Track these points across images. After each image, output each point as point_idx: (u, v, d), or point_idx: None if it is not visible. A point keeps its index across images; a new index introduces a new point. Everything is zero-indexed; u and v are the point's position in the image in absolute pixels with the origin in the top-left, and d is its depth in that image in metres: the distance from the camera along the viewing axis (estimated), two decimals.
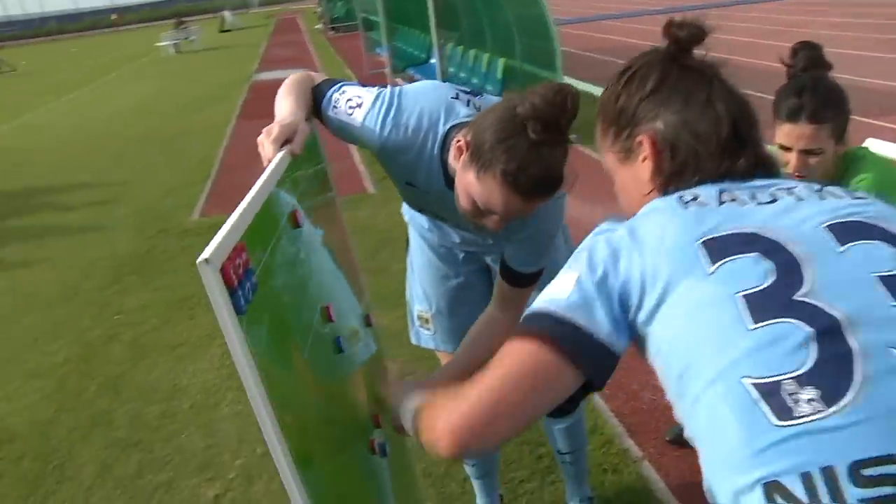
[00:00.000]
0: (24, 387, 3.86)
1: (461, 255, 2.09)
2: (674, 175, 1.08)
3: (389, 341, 3.67)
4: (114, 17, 57.47)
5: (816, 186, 1.04)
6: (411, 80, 10.74)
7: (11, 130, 12.93)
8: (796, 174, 2.12)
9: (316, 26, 28.55)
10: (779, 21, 14.53)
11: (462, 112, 1.64)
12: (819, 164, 2.09)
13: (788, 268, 0.90)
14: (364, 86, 1.73)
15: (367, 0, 14.06)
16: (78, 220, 6.75)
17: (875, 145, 2.87)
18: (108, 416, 3.46)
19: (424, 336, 2.22)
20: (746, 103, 1.11)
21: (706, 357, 0.88)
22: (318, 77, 1.78)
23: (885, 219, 0.98)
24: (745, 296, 0.89)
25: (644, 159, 1.11)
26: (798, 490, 0.78)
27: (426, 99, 1.67)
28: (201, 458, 3.02)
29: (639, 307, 0.96)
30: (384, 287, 3.91)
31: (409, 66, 11.45)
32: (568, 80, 7.61)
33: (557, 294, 1.00)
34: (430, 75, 9.26)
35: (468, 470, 2.44)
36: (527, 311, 1.03)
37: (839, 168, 2.17)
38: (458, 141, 1.50)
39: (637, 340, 0.99)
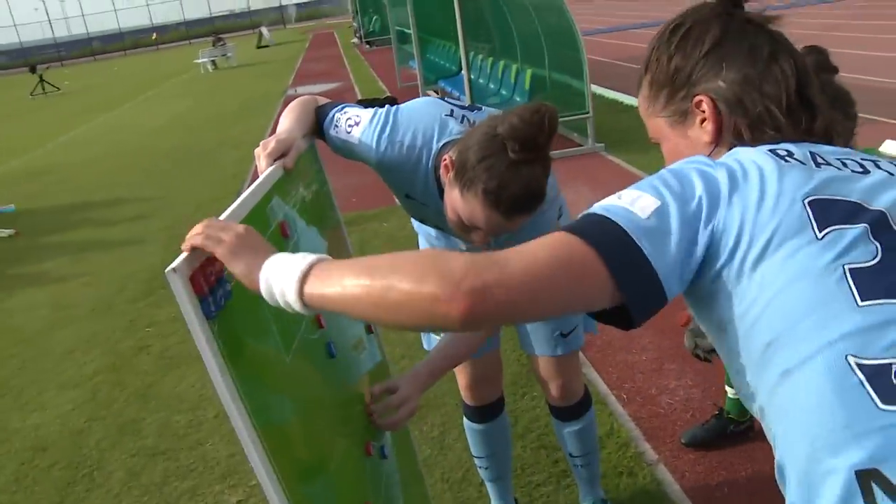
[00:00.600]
0: (57, 397, 3.97)
1: None
2: (755, 134, 1.02)
3: (409, 348, 3.74)
4: (154, 36, 58.63)
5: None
6: (443, 93, 10.87)
7: (55, 148, 13.28)
8: None
9: (352, 40, 28.85)
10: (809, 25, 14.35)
11: (455, 129, 1.70)
12: None
13: (894, 246, 0.86)
14: (365, 107, 1.80)
15: (401, 14, 14.19)
16: (115, 234, 6.92)
17: (892, 147, 2.85)
18: (136, 426, 3.56)
19: (435, 341, 2.26)
20: (806, 64, 1.05)
21: (807, 328, 0.83)
22: (323, 100, 1.85)
23: None
24: (852, 270, 0.84)
25: (703, 121, 1.06)
26: None
27: (420, 117, 1.73)
28: (225, 466, 3.09)
29: (729, 260, 0.89)
30: None
31: (440, 78, 11.52)
32: (595, 88, 7.64)
33: (635, 210, 0.91)
34: (459, 87, 9.32)
35: (482, 473, 2.47)
36: (597, 209, 0.93)
37: None
38: (445, 160, 1.57)
39: (703, 293, 0.93)
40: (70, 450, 3.45)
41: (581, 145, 7.52)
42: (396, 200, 2.09)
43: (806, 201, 0.88)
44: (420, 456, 2.91)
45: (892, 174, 0.94)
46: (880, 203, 0.89)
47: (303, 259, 0.99)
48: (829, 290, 0.84)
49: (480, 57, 10.58)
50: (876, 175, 0.93)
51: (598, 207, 0.93)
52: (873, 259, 0.85)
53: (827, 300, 0.83)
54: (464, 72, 7.62)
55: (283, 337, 1.24)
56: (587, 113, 7.32)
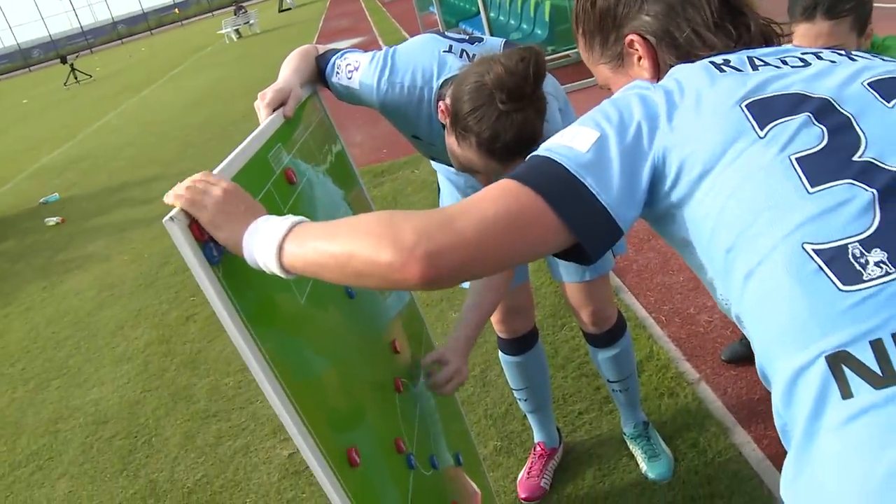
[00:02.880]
0: (112, 372, 4.10)
1: None
2: (681, 55, 1.02)
3: (450, 290, 3.77)
4: (176, 11, 58.75)
5: (843, 51, 0.99)
6: (462, 33, 10.64)
7: (91, 134, 13.48)
8: None
9: None
10: None
11: (455, 65, 1.68)
12: None
13: (841, 128, 0.85)
14: (364, 51, 1.79)
15: None
16: (153, 211, 7.02)
17: None
18: (188, 391, 3.66)
19: None
20: None
21: (761, 225, 0.83)
22: (323, 49, 1.84)
23: None
24: (799, 158, 0.84)
25: (640, 59, 1.07)
26: (867, 357, 0.73)
27: (418, 56, 1.72)
28: (275, 423, 3.16)
29: (677, 178, 0.89)
30: None
31: (461, 20, 11.37)
32: None
33: (575, 145, 0.91)
34: (480, 27, 9.19)
35: (522, 406, 2.50)
36: (541, 151, 0.94)
37: None
38: (441, 105, 1.56)
39: (660, 214, 0.93)
40: (128, 420, 3.57)
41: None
42: None
43: (743, 104, 0.88)
44: (463, 394, 2.95)
45: (833, 62, 0.93)
46: (822, 90, 0.89)
47: (281, 224, 0.99)
48: (777, 183, 0.83)
49: None
50: (817, 66, 0.93)
51: (542, 148, 0.94)
52: (819, 143, 0.84)
53: (777, 194, 0.83)
54: (481, 11, 7.50)
55: (295, 280, 1.25)
56: None
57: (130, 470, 3.18)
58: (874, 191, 0.80)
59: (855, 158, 0.82)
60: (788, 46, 0.99)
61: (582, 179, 0.88)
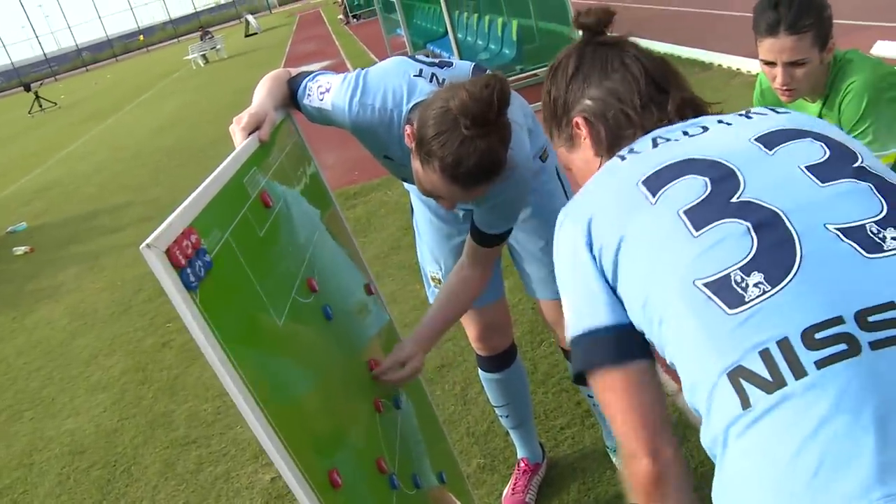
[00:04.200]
0: (88, 401, 4.04)
1: (461, 214, 2.13)
2: (614, 140, 1.15)
3: (424, 310, 3.77)
4: (141, 38, 58.54)
5: (744, 112, 1.11)
6: (432, 56, 10.74)
7: (59, 162, 13.35)
8: (784, 88, 2.10)
9: (338, 17, 28.65)
10: None
11: (425, 89, 1.69)
12: (806, 76, 2.07)
13: (723, 177, 0.96)
14: (336, 73, 1.80)
15: None
16: (125, 238, 6.97)
17: (884, 48, 2.80)
18: (166, 419, 3.62)
19: None
20: (661, 58, 1.19)
21: (661, 276, 0.93)
22: (296, 72, 1.85)
23: (806, 123, 1.06)
24: (686, 211, 0.94)
25: (584, 139, 1.18)
26: (758, 367, 0.82)
27: (389, 79, 1.73)
28: (256, 447, 3.14)
29: (608, 265, 1.00)
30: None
31: (428, 41, 11.43)
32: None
33: (567, 318, 1.07)
34: (448, 48, 9.25)
35: (503, 422, 2.50)
36: (568, 337, 1.07)
37: (828, 75, 2.14)
38: (407, 129, 1.57)
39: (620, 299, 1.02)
40: (106, 449, 3.52)
41: None
42: None
43: (639, 182, 1.00)
44: (444, 413, 2.95)
45: (729, 124, 1.06)
46: (711, 151, 1.00)
47: None
48: (668, 236, 0.94)
49: (466, 14, 10.48)
50: (713, 130, 1.05)
51: (569, 335, 1.07)
52: (703, 194, 0.95)
53: (668, 245, 0.93)
54: (449, 32, 7.56)
55: (272, 303, 1.25)
56: None
57: (109, 500, 3.14)
58: (748, 224, 0.89)
59: (733, 200, 0.93)
60: (699, 118, 1.11)
61: (582, 331, 1.03)
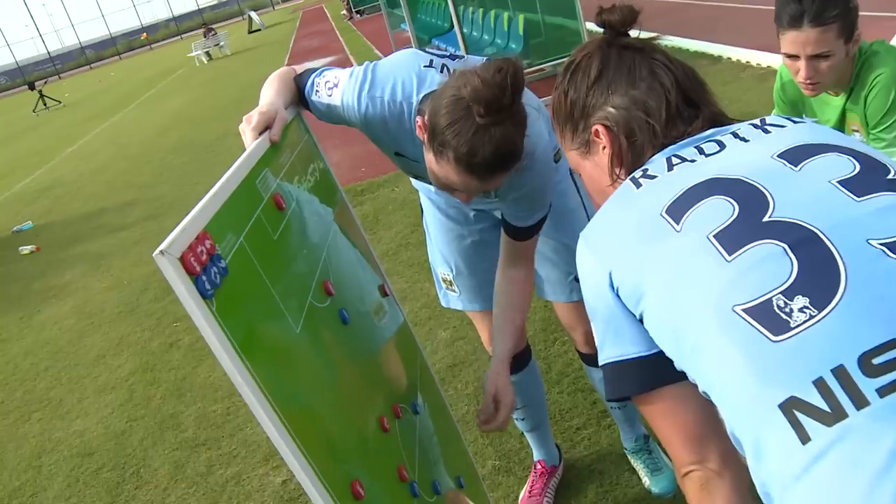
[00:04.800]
0: (96, 402, 4.01)
1: (472, 214, 2.09)
2: (636, 155, 1.09)
3: (438, 309, 3.73)
4: (144, 36, 58.56)
5: (758, 123, 1.05)
6: (445, 52, 10.64)
7: (64, 160, 13.33)
8: (808, 82, 2.05)
9: (341, 12, 28.59)
10: None
11: (437, 80, 1.63)
12: (830, 69, 2.02)
13: (751, 197, 0.91)
14: (343, 68, 1.75)
15: None
16: (131, 236, 6.94)
17: None
18: (175, 420, 3.58)
19: (452, 298, 2.24)
20: (690, 68, 1.13)
21: (693, 303, 0.88)
22: (301, 69, 1.80)
23: (828, 136, 1.00)
24: (716, 235, 0.89)
25: (603, 147, 1.13)
26: (815, 398, 0.76)
27: (398, 70, 1.67)
28: (266, 448, 3.10)
29: (630, 299, 0.97)
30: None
31: (433, 37, 11.37)
32: (590, 25, 7.47)
33: (599, 341, 1.04)
34: (454, 43, 9.19)
35: (519, 425, 2.45)
36: (604, 363, 1.05)
37: (853, 67, 2.09)
38: (419, 120, 1.52)
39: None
40: (115, 451, 3.49)
41: None
42: None
43: (662, 212, 0.95)
44: (457, 413, 2.91)
45: (746, 140, 1.01)
46: (733, 170, 0.95)
47: None
48: (698, 262, 0.89)
49: (471, 9, 10.41)
50: (731, 147, 1.00)
51: (601, 354, 1.05)
52: (731, 216, 0.89)
53: (699, 272, 0.88)
54: (455, 27, 7.50)
55: (289, 309, 1.21)
56: None
57: (119, 503, 3.10)
58: (785, 245, 0.84)
59: (765, 220, 0.88)
60: (712, 131, 1.06)
61: (611, 360, 1.01)
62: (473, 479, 2.15)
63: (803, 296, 0.80)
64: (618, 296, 0.98)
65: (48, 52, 63.74)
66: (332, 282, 1.45)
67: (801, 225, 0.86)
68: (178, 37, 59.15)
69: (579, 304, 2.09)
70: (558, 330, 3.26)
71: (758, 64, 6.27)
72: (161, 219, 7.16)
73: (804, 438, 0.75)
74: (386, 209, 5.55)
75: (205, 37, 28.86)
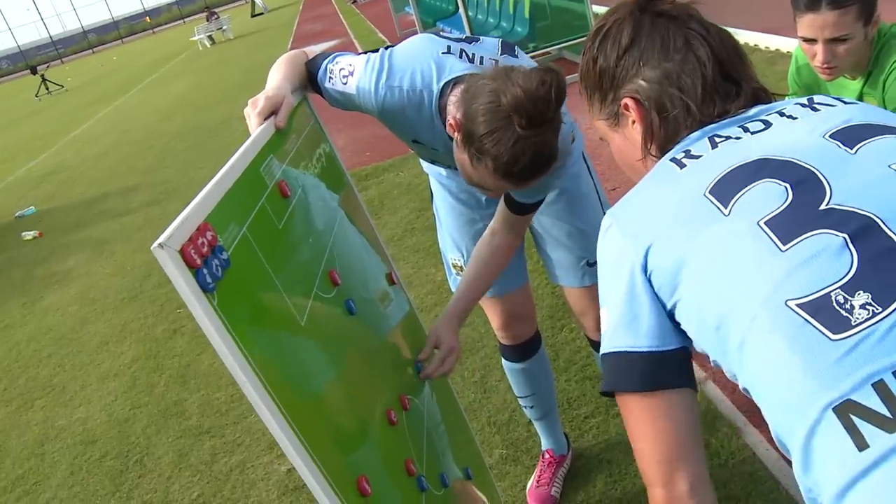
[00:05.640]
0: (99, 389, 3.99)
1: (483, 198, 2.05)
2: (667, 136, 1.03)
3: (444, 294, 3.69)
4: (147, 20, 58.38)
5: (805, 101, 0.99)
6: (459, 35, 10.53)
7: (67, 145, 13.29)
8: (825, 66, 2.00)
9: None
10: None
11: (456, 66, 1.60)
12: (848, 52, 1.96)
13: (805, 182, 0.85)
14: (357, 54, 1.71)
15: None
16: (134, 222, 6.91)
17: None
18: (179, 407, 3.56)
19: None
20: (729, 37, 1.05)
21: (743, 294, 0.82)
22: (313, 53, 1.76)
23: (882, 117, 0.94)
24: (767, 221, 0.83)
25: (633, 122, 1.07)
26: (873, 402, 0.71)
27: (417, 58, 1.63)
28: (270, 437, 3.02)
29: (663, 285, 0.91)
30: (434, 243, 3.90)
31: (438, 20, 11.28)
32: (596, 8, 7.40)
33: (608, 326, 0.97)
34: (459, 26, 9.10)
35: (528, 413, 2.42)
36: (604, 352, 0.99)
37: (872, 51, 2.04)
38: (450, 119, 1.49)
39: (672, 318, 0.94)
40: (118, 439, 3.46)
41: None
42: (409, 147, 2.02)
43: (706, 192, 0.89)
44: (464, 402, 2.88)
45: (793, 117, 0.94)
46: (782, 150, 0.89)
47: None
48: (749, 251, 0.83)
49: None
50: (777, 125, 0.94)
51: (603, 343, 0.99)
52: (784, 202, 0.84)
53: (750, 261, 0.82)
54: (461, 9, 7.42)
55: (294, 300, 1.17)
56: None
57: (123, 491, 3.08)
58: (845, 235, 0.79)
59: (822, 208, 0.82)
60: (755, 109, 0.99)
61: (617, 349, 0.94)
62: (481, 468, 2.12)
63: (865, 291, 0.75)
64: (649, 280, 0.92)
65: (50, 36, 63.56)
66: (338, 271, 1.41)
67: (860, 213, 0.80)
68: (181, 20, 58.90)
69: (591, 289, 2.06)
70: (566, 317, 3.23)
71: (766, 47, 6.20)
72: (164, 204, 7.13)
73: (861, 445, 0.71)
74: (391, 194, 5.50)
75: (207, 20, 28.73)
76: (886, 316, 0.73)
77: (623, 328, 0.94)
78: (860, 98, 2.11)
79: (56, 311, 5.32)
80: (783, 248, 0.80)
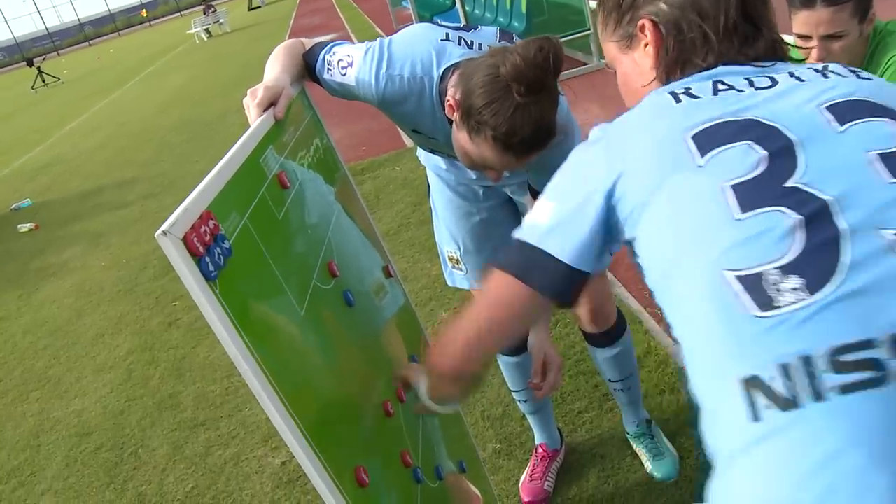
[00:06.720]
0: (94, 382, 3.99)
1: (481, 191, 2.06)
2: (678, 61, 1.02)
3: (439, 289, 3.70)
4: (143, 13, 58.21)
5: (819, 67, 0.97)
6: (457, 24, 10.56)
7: (63, 138, 13.26)
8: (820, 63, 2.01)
9: None
10: None
11: (455, 52, 1.61)
12: (844, 50, 1.97)
13: (782, 154, 0.85)
14: (353, 44, 1.71)
15: None
16: (130, 214, 6.90)
17: None
18: (174, 400, 3.56)
19: (458, 277, 2.21)
20: None
21: (689, 252, 0.85)
22: (310, 43, 1.77)
23: (888, 97, 0.92)
24: (733, 186, 0.84)
25: (646, 45, 1.05)
26: (777, 383, 0.74)
27: (416, 45, 1.64)
28: (265, 430, 3.09)
29: (628, 216, 0.92)
30: (430, 237, 3.92)
31: (435, 14, 11.27)
32: (593, 3, 7.40)
33: (537, 220, 1.00)
34: (455, 20, 9.10)
35: (522, 407, 2.44)
36: (515, 235, 1.03)
37: (867, 48, 2.05)
38: (449, 99, 1.49)
39: (629, 252, 0.97)
40: (113, 431, 3.47)
41: (586, 63, 7.33)
42: (405, 142, 2.02)
43: (689, 135, 0.90)
44: None
45: (801, 80, 0.94)
46: (773, 114, 0.89)
47: None
48: (707, 210, 0.84)
49: None
50: (782, 85, 0.93)
51: (516, 232, 1.03)
52: (755, 170, 0.85)
53: (705, 221, 0.84)
54: (457, 4, 7.42)
55: (293, 290, 1.18)
56: (588, 30, 7.12)
57: (117, 483, 3.09)
58: (798, 217, 0.80)
59: (787, 184, 0.83)
60: (770, 63, 0.99)
61: (542, 247, 0.97)
62: (474, 462, 2.13)
63: (799, 277, 0.77)
64: (610, 206, 0.94)
65: (46, 29, 63.33)
66: (336, 262, 1.42)
67: (819, 197, 0.81)
68: (178, 13, 58.78)
69: None
70: (560, 312, 3.24)
71: None
72: (160, 197, 7.12)
73: (756, 417, 0.74)
74: (387, 188, 5.51)
75: (204, 13, 28.67)
76: (810, 304, 0.76)
77: (557, 234, 0.97)
78: None
79: (52, 303, 5.32)
80: (738, 216, 0.82)
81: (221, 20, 27.82)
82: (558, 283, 0.97)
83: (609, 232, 0.96)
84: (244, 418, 3.23)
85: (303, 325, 1.19)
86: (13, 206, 8.49)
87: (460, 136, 1.49)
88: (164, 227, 0.89)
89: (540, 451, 2.45)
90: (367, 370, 1.44)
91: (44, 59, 31.82)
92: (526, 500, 2.36)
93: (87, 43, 56.21)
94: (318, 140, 1.70)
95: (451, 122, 1.59)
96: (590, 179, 0.96)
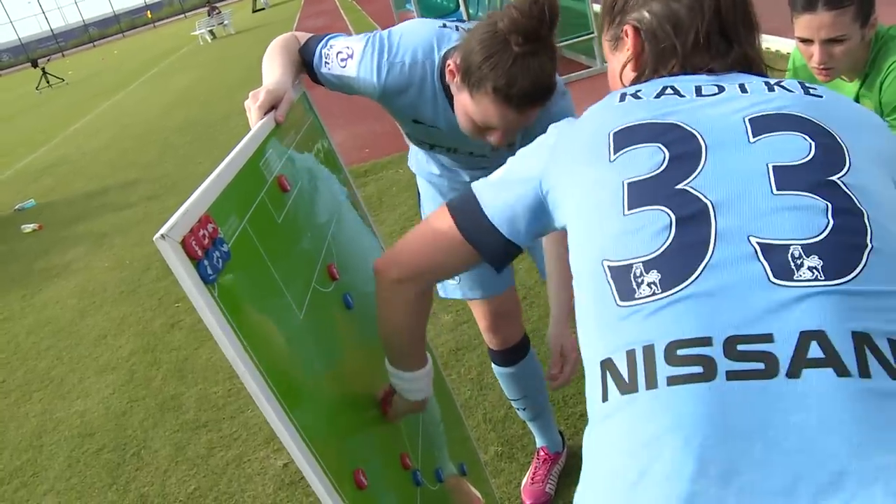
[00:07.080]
0: (97, 382, 4.00)
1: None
2: (649, 67, 1.07)
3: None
4: (148, 14, 58.33)
5: (772, 82, 1.01)
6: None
7: (67, 139, 13.29)
8: (821, 67, 2.01)
9: None
10: None
11: (454, 37, 1.63)
12: (845, 54, 1.98)
13: (686, 158, 0.90)
14: (349, 36, 1.71)
15: None
16: (133, 216, 6.92)
17: None
18: (176, 401, 3.57)
19: (450, 288, 2.20)
20: (744, 1, 1.08)
21: (585, 240, 0.93)
22: (304, 37, 1.76)
23: (825, 114, 0.94)
24: (630, 183, 0.90)
25: (628, 49, 1.10)
26: (622, 367, 0.82)
27: (416, 33, 1.66)
28: (267, 432, 3.09)
29: (556, 205, 1.01)
30: None
31: (439, 17, 11.28)
32: (597, 7, 7.40)
33: (492, 176, 1.11)
34: None
35: (520, 414, 2.44)
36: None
37: (869, 53, 2.05)
38: (450, 65, 1.52)
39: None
40: (115, 432, 3.48)
41: (589, 67, 7.33)
42: (409, 144, 2.03)
43: (613, 132, 0.96)
44: (460, 399, 2.89)
45: (745, 91, 0.97)
46: (697, 120, 0.93)
47: None
48: (604, 204, 0.91)
49: None
50: (722, 96, 0.97)
51: (477, 186, 1.12)
52: (655, 171, 0.90)
53: (601, 212, 0.91)
54: (461, 7, 7.43)
55: (292, 294, 1.18)
56: (591, 33, 7.13)
57: (120, 484, 3.09)
58: (675, 217, 0.85)
59: (678, 186, 0.88)
60: (731, 74, 1.03)
61: (477, 196, 1.08)
62: (476, 465, 2.13)
63: (658, 272, 0.83)
64: (541, 193, 1.03)
65: (51, 30, 63.50)
66: (336, 266, 1.42)
67: (702, 200, 0.86)
68: (182, 15, 58.91)
69: None
70: None
71: (766, 48, 6.19)
72: (164, 198, 7.14)
73: (604, 397, 0.83)
74: (390, 191, 5.51)
75: (209, 15, 28.74)
76: (660, 299, 0.82)
77: (493, 189, 1.08)
78: (857, 100, 2.12)
79: (55, 303, 5.33)
80: (626, 212, 0.88)
81: (226, 22, 27.88)
82: (484, 236, 1.07)
83: (538, 217, 1.05)
84: (246, 420, 3.24)
85: (302, 328, 1.19)
86: (17, 207, 8.52)
87: (462, 98, 1.51)
88: (162, 230, 0.90)
89: (541, 454, 2.45)
90: (367, 372, 1.44)
91: (48, 60, 31.88)
92: (527, 503, 2.36)
93: (91, 44, 56.35)
94: (319, 143, 1.71)
95: (451, 102, 1.60)
96: (532, 169, 1.05)
